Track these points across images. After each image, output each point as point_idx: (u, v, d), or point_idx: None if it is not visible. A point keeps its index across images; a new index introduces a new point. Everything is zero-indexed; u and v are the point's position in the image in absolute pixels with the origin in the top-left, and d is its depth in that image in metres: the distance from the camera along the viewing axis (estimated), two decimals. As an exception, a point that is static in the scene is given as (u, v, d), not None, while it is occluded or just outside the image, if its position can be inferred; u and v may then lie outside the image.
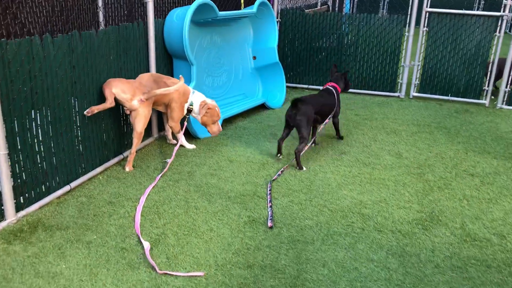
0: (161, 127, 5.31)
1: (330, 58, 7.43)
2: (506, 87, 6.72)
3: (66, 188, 3.83)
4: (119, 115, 4.49)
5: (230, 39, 6.06)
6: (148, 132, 5.13)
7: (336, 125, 5.23)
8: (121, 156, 4.53)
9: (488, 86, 6.84)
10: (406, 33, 7.03)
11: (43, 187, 3.62)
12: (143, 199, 3.75)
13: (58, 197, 3.76)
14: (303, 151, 4.52)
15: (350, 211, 3.68)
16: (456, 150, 5.01)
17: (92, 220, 3.46)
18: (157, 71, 5.03)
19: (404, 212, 3.67)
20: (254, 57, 6.55)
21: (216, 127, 4.81)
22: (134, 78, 4.55)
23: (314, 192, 4.00)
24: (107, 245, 3.16)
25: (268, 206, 3.75)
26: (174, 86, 4.40)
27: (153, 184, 4.01)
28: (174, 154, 4.53)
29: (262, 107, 6.51)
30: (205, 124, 4.79)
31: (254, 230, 3.38)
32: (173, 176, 4.24)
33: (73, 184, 3.91)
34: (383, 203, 3.82)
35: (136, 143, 4.32)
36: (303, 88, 7.73)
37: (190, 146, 4.94)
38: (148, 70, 4.89)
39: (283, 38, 7.52)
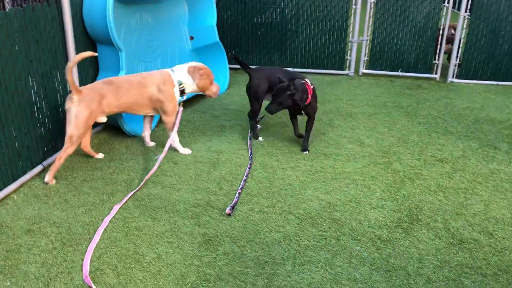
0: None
1: (274, 35, 6.86)
2: (456, 60, 6.50)
3: (-32, 217, 3.03)
4: (34, 115, 3.67)
5: (163, 18, 5.30)
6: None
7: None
8: (40, 167, 3.74)
9: (438, 60, 6.59)
10: (353, 6, 6.58)
11: None
12: (98, 235, 2.93)
13: (-43, 231, 2.96)
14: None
15: (320, 217, 3.19)
16: (418, 133, 4.67)
17: (5, 259, 2.72)
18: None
19: (380, 213, 3.24)
20: (192, 37, 5.84)
21: (215, 87, 4.25)
22: (47, 71, 3.74)
23: (275, 195, 3.47)
24: (25, 295, 2.46)
25: (237, 192, 3.42)
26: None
27: (115, 210, 3.23)
28: (165, 150, 3.89)
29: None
30: (205, 89, 4.17)
31: (213, 253, 2.80)
32: (106, 188, 3.54)
33: (-22, 210, 3.11)
34: (354, 202, 3.37)
35: (66, 148, 3.57)
36: (246, 69, 7.12)
37: (185, 151, 4.16)
38: (66, 60, 4.07)
39: (222, 14, 6.83)
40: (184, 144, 4.31)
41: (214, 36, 5.85)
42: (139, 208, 3.26)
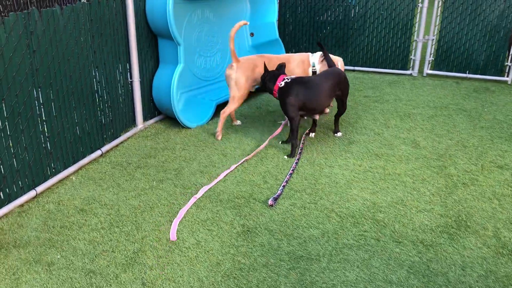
0: (147, 116, 4.75)
1: (335, 33, 6.78)
2: (531, 62, 6.08)
3: (31, 193, 3.30)
4: (95, 103, 3.92)
5: (224, 14, 5.42)
6: (130, 121, 4.58)
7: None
8: (99, 152, 3.99)
9: (510, 62, 6.19)
10: (420, 4, 6.34)
11: (1, 194, 3.09)
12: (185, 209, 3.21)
13: (21, 205, 3.23)
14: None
15: (362, 217, 3.13)
16: (479, 137, 4.42)
17: (58, 234, 2.94)
18: (140, 52, 4.44)
19: (426, 217, 3.12)
20: (252, 34, 5.92)
21: None
22: (114, 63, 3.98)
23: (319, 192, 3.45)
24: (72, 267, 2.64)
25: (282, 185, 3.49)
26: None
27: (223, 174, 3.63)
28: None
29: (262, 90, 5.90)
30: None
31: (249, 244, 2.85)
32: (157, 175, 3.70)
33: (40, 188, 3.37)
34: (400, 205, 3.27)
35: (229, 105, 4.36)
36: (306, 66, 7.10)
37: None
38: (128, 53, 4.30)
39: (284, 11, 6.86)
40: (234, 138, 4.41)
41: (274, 33, 5.89)
42: (185, 196, 3.38)
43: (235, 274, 2.59)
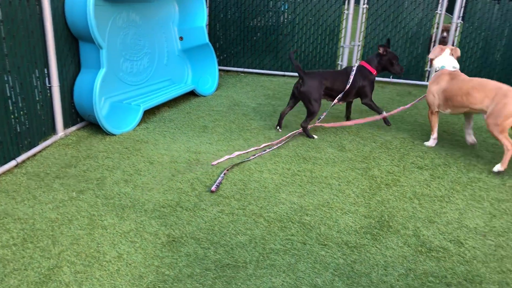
0: (69, 123, 4.50)
1: (266, 38, 6.83)
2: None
3: None
4: (8, 111, 3.65)
5: (151, 17, 5.28)
6: (50, 128, 4.32)
7: (369, 107, 4.79)
8: (13, 163, 3.72)
9: (430, 67, 6.53)
10: (345, 11, 6.55)
11: None
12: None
13: None
14: (308, 125, 4.60)
15: (290, 220, 3.14)
16: (402, 139, 4.61)
17: (-37, 254, 2.69)
18: (60, 56, 4.21)
19: (351, 218, 3.18)
20: (181, 38, 5.83)
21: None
22: (29, 67, 3.72)
23: (248, 197, 3.42)
24: (-23, 290, 2.42)
25: (222, 173, 3.68)
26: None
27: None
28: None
29: (192, 94, 5.83)
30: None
31: (174, 254, 2.75)
32: (77, 185, 3.50)
33: None
34: (326, 207, 3.32)
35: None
36: (238, 71, 7.11)
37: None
38: (46, 56, 4.05)
39: (213, 16, 6.82)
40: (162, 144, 4.29)
41: (203, 37, 5.83)
42: (107, 207, 3.22)
43: (159, 286, 2.49)
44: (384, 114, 4.72)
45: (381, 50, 4.72)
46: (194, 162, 3.94)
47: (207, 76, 6.08)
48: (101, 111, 4.35)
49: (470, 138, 4.41)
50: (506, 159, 3.84)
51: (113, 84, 4.70)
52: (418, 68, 6.54)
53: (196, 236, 2.94)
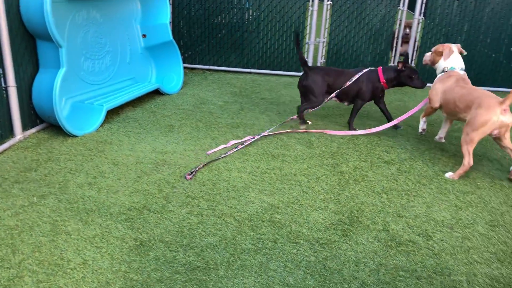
0: (27, 125, 4.31)
1: (231, 35, 6.76)
2: (412, 62, 6.56)
3: None
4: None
5: (113, 15, 5.13)
6: (7, 131, 4.13)
7: (353, 109, 4.75)
8: (-32, 168, 3.53)
9: (394, 62, 6.64)
10: (310, 8, 6.56)
11: None
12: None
13: None
14: (303, 112, 4.67)
15: (260, 219, 3.10)
16: (368, 135, 4.65)
17: None
18: (16, 55, 4.02)
19: (321, 215, 3.18)
20: (144, 35, 5.69)
21: None
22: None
23: (217, 197, 3.36)
24: None
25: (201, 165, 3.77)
26: None
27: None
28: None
29: (157, 93, 5.71)
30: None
31: (143, 259, 2.67)
32: (38, 190, 3.35)
33: None
34: (296, 204, 3.30)
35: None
36: (203, 69, 7.02)
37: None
38: (1, 55, 3.86)
39: (177, 13, 6.70)
40: (127, 144, 4.17)
41: (167, 34, 5.71)
42: (71, 211, 3.10)
43: (127, 293, 2.41)
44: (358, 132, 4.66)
45: (399, 66, 4.52)
46: (161, 163, 3.85)
47: (172, 74, 5.96)
48: (62, 112, 4.19)
49: (442, 137, 4.44)
50: (460, 172, 3.73)
51: (74, 84, 4.53)
52: (382, 63, 6.62)
53: (165, 239, 2.86)
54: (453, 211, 3.29)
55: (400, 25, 6.46)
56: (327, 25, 6.60)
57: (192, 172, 3.60)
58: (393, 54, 6.63)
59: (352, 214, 3.20)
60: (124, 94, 5.08)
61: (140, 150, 4.09)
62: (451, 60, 4.18)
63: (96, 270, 2.56)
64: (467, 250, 2.84)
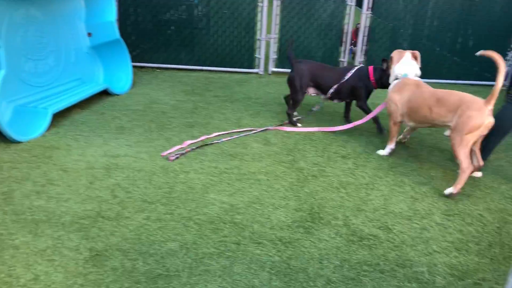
0: (-35, 132, 4.00)
1: (181, 32, 6.61)
2: (361, 57, 6.68)
3: None
4: None
5: (55, 13, 4.87)
6: None
7: (363, 110, 4.64)
8: None
9: (344, 57, 6.73)
10: (260, 4, 6.52)
11: None
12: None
13: None
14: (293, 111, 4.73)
15: (221, 221, 3.03)
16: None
17: None
18: None
19: (282, 213, 3.14)
20: (89, 34, 5.44)
21: None
22: None
23: (175, 201, 3.25)
24: None
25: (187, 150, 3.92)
26: None
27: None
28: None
29: (105, 93, 5.48)
30: None
31: (100, 270, 2.53)
32: (-20, 202, 3.12)
33: None
34: (257, 204, 3.25)
35: None
36: (153, 67, 6.82)
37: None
38: None
39: (123, 10, 6.46)
40: (76, 149, 3.97)
41: (114, 32, 5.49)
42: (18, 223, 2.89)
43: (84, 308, 2.27)
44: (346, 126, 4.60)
45: (384, 66, 4.35)
46: (113, 167, 3.69)
47: (120, 73, 5.75)
48: (3, 117, 3.92)
49: (405, 137, 4.42)
50: (461, 181, 3.42)
51: (15, 86, 4.26)
52: (332, 58, 6.70)
53: (122, 247, 2.73)
54: (410, 202, 3.36)
55: (349, 20, 6.54)
56: (278, 21, 6.58)
57: (176, 155, 3.83)
58: (342, 49, 6.71)
59: (313, 211, 3.19)
60: (71, 95, 4.83)
61: (90, 154, 3.89)
62: (403, 65, 4.03)
63: (49, 286, 2.39)
64: (426, 241, 2.90)
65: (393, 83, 4.05)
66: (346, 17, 6.52)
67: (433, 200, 3.40)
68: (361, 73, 4.50)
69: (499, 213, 3.27)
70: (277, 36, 6.69)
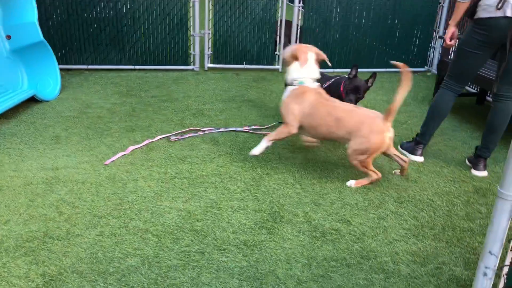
0: None
1: (109, 31, 6.27)
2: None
3: None
4: None
5: (-33, 15, 4.40)
6: None
7: None
8: None
9: (278, 51, 6.75)
10: (191, -1, 6.35)
11: None
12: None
13: None
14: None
15: (181, 230, 2.91)
16: (272, 126, 4.66)
17: None
18: None
19: (242, 215, 3.08)
20: (8, 36, 5.00)
21: None
22: None
23: (128, 212, 3.07)
24: None
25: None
26: None
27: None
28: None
29: (32, 100, 5.07)
30: None
31: (56, 297, 2.33)
32: None
33: None
34: (215, 208, 3.16)
35: None
36: (81, 69, 6.43)
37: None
38: None
39: (43, 9, 6.00)
40: (10, 164, 3.63)
41: (36, 34, 5.07)
42: (-47, 255, 2.59)
43: None
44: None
45: (352, 73, 4.05)
46: (54, 181, 3.41)
47: (47, 78, 5.34)
48: None
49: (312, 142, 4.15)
50: (364, 182, 3.52)
51: None
52: (268, 52, 6.70)
53: (78, 268, 2.53)
54: (364, 192, 3.43)
55: (281, 14, 6.56)
56: (211, 16, 6.45)
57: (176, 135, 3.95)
58: (278, 42, 6.73)
59: (273, 210, 3.16)
60: (-6, 105, 4.42)
61: (26, 169, 3.58)
62: (302, 69, 3.57)
63: (0, 322, 2.16)
64: (385, 230, 2.98)
65: (289, 89, 3.62)
66: (279, 10, 6.52)
67: (384, 189, 3.50)
68: (336, 83, 4.25)
69: (446, 196, 3.44)
70: (210, 31, 6.56)
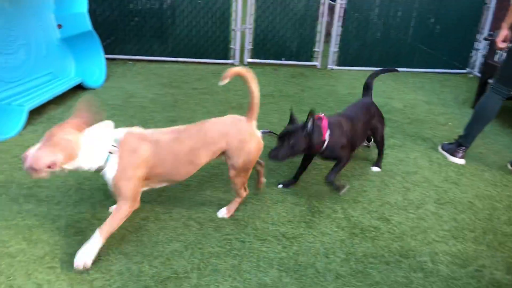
0: None
1: (153, 23, 6.42)
2: (335, 47, 6.73)
3: None
4: None
5: (23, 4, 4.60)
6: None
7: None
8: None
9: (319, 48, 6.76)
10: (234, -7, 6.43)
11: None
12: None
13: None
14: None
15: (222, 219, 2.99)
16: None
17: None
18: None
19: (282, 208, 3.14)
20: (60, 26, 5.19)
21: None
22: None
23: (171, 199, 3.18)
24: None
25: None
26: None
27: None
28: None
29: (79, 88, 5.26)
30: None
31: (105, 275, 2.43)
32: (-36, 208, 2.93)
33: None
34: (255, 199, 3.23)
35: None
36: (125, 59, 6.61)
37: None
38: None
39: (92, 0, 6.19)
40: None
41: (86, 24, 5.27)
42: (10, 230, 2.74)
43: (96, 317, 2.19)
44: None
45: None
46: (101, 166, 3.55)
47: (93, 66, 5.54)
48: None
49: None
50: (235, 206, 3.04)
51: (-14, 83, 4.02)
52: (307, 49, 6.72)
53: (124, 250, 2.64)
54: (403, 192, 3.43)
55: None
56: (253, 11, 6.51)
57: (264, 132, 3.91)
58: (317, 40, 6.74)
59: (312, 205, 3.20)
60: (46, 91, 4.62)
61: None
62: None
63: (54, 295, 2.29)
64: (425, 231, 2.98)
65: None
66: (321, 7, 6.52)
67: (424, 189, 3.49)
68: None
69: (487, 200, 3.40)
70: (252, 26, 6.63)
